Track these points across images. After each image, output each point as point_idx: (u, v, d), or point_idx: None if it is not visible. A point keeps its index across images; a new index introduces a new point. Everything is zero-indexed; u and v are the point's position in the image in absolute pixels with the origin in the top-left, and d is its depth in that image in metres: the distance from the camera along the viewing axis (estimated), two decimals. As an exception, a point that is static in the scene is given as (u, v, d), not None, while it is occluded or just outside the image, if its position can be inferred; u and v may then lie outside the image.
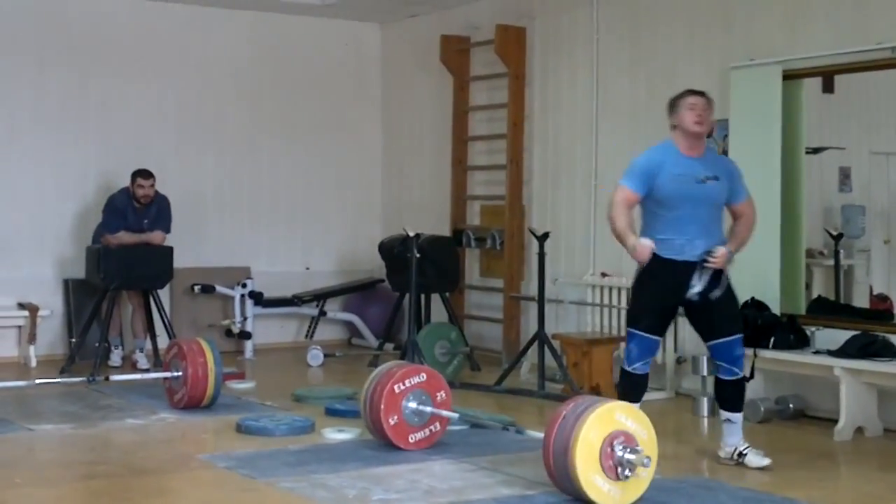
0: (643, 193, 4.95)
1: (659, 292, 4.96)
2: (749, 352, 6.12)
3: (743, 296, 6.33)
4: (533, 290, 7.35)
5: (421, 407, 5.20)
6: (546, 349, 6.91)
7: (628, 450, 4.19)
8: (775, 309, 6.30)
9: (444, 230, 8.72)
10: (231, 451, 5.22)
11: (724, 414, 5.08)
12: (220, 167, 9.07)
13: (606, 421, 4.23)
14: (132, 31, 8.72)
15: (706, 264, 4.89)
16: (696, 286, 4.92)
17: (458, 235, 8.65)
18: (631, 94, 7.51)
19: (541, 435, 4.89)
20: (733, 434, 5.06)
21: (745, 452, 4.99)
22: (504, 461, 5.03)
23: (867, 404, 5.78)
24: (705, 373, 6.36)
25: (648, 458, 4.21)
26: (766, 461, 4.94)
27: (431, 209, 9.08)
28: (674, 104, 5.05)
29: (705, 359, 6.36)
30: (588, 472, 4.16)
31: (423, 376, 5.26)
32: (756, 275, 6.40)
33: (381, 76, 9.75)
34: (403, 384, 5.18)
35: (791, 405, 6.22)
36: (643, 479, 4.25)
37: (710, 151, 5.17)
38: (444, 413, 5.27)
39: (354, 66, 9.66)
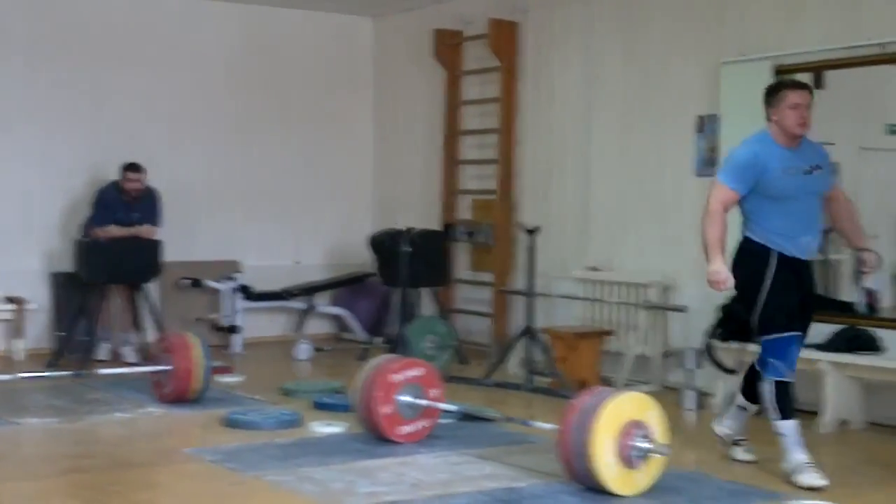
0: (745, 192, 4.71)
1: (789, 289, 4.71)
2: (735, 345, 6.15)
3: (730, 290, 6.37)
4: (522, 285, 7.35)
5: (415, 400, 5.20)
6: (534, 343, 6.92)
7: (646, 439, 4.29)
8: (763, 303, 6.31)
9: (435, 224, 8.72)
10: (218, 444, 5.22)
11: (740, 400, 5.02)
12: (211, 161, 9.05)
13: (631, 407, 4.35)
14: (122, 23, 8.70)
15: (864, 272, 4.82)
16: (862, 299, 4.94)
17: (448, 230, 8.66)
18: (623, 89, 7.52)
19: (543, 425, 4.93)
20: (737, 421, 5.04)
21: (739, 443, 5.01)
22: (491, 454, 5.04)
23: (852, 397, 5.80)
24: (691, 366, 6.37)
25: (666, 446, 4.33)
26: (750, 456, 4.97)
27: (422, 203, 9.08)
28: (774, 97, 4.76)
29: (692, 352, 6.37)
30: (604, 449, 4.24)
31: (421, 371, 5.28)
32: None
33: (373, 70, 9.74)
34: (400, 375, 5.19)
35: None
36: (655, 468, 4.36)
37: (804, 139, 4.85)
38: (441, 405, 5.28)
39: (347, 60, 9.65)
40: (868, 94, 6.72)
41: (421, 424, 5.27)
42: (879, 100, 6.87)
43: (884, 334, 5.81)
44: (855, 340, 5.78)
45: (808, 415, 5.91)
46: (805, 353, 5.87)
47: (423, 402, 5.23)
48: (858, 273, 4.73)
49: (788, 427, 4.70)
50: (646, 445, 4.28)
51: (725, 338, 6.22)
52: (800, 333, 4.77)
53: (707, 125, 6.88)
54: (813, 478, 4.54)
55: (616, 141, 7.57)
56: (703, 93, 6.89)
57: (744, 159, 4.73)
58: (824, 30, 6.24)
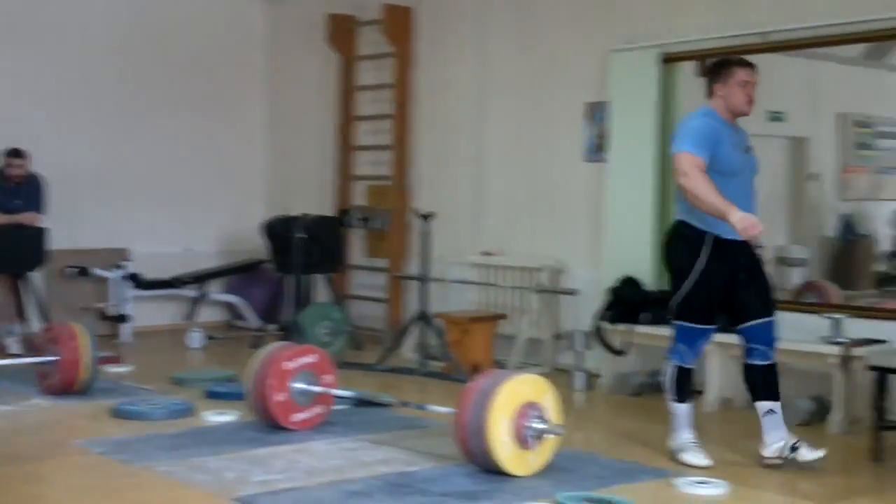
0: (707, 160, 4.48)
1: (716, 283, 4.60)
2: (623, 327, 6.31)
3: (616, 273, 6.53)
4: (417, 270, 7.39)
5: (309, 387, 5.19)
6: (428, 328, 6.96)
7: (540, 420, 4.37)
8: (648, 285, 6.48)
9: (330, 210, 8.69)
10: (107, 436, 5.12)
11: (763, 406, 4.66)
12: (98, 145, 8.83)
13: (527, 389, 4.42)
14: (3, 0, 8.41)
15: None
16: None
17: (343, 215, 8.64)
18: (516, 76, 7.60)
19: (438, 409, 4.97)
20: (778, 427, 4.64)
21: (797, 446, 4.57)
22: (385, 439, 5.07)
23: (734, 376, 5.99)
24: (581, 348, 6.50)
25: (560, 426, 4.41)
26: (819, 453, 4.56)
27: (316, 189, 9.04)
28: (721, 73, 4.66)
29: (582, 335, 6.50)
30: (499, 430, 4.29)
31: (314, 357, 5.26)
32: (630, 253, 6.57)
33: (265, 55, 9.63)
34: (294, 362, 5.17)
35: (662, 378, 6.39)
36: (549, 448, 4.45)
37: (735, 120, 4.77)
38: (335, 392, 5.28)
39: (239, 44, 9.52)
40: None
41: (315, 411, 5.27)
42: (761, 87, 7.10)
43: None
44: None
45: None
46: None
47: (317, 388, 5.23)
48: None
49: (682, 409, 4.82)
50: (540, 426, 4.36)
51: (614, 320, 6.39)
52: (714, 327, 4.76)
53: (596, 112, 7.01)
54: (698, 457, 4.67)
55: (509, 127, 7.66)
56: (592, 80, 7.01)
57: (703, 128, 4.56)
58: (709, 19, 6.42)
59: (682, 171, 4.48)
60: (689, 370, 4.82)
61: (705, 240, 4.57)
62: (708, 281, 4.58)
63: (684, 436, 4.78)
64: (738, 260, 4.62)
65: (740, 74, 4.64)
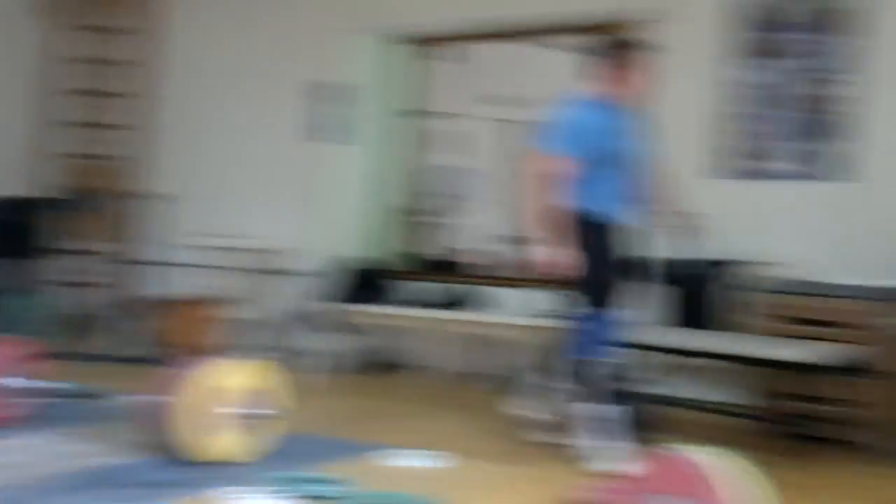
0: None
1: None
2: (345, 307, 6.35)
3: (338, 253, 6.55)
4: (134, 254, 7.10)
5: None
6: (140, 313, 6.72)
7: (257, 405, 4.26)
8: (370, 265, 6.55)
9: (27, 191, 8.18)
10: None
11: None
12: None
13: (227, 374, 4.27)
14: None
15: None
16: None
17: (46, 197, 8.16)
18: (237, 54, 7.43)
19: (129, 398, 4.76)
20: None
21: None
22: (90, 432, 4.82)
23: (450, 351, 6.18)
24: (303, 329, 6.47)
25: (276, 410, 4.30)
26: None
27: (10, 168, 8.46)
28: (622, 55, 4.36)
29: (305, 315, 6.47)
30: (197, 421, 4.15)
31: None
32: (350, 232, 6.62)
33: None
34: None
35: (383, 356, 6.52)
36: (268, 433, 4.33)
37: None
38: (21, 383, 4.95)
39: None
40: (500, 69, 7.12)
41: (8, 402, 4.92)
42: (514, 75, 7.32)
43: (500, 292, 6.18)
44: (452, 298, 6.13)
45: (413, 370, 6.23)
46: (406, 311, 6.21)
47: (4, 380, 4.89)
48: None
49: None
50: (256, 411, 4.25)
51: (335, 299, 6.42)
52: None
53: (317, 92, 6.97)
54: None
55: (226, 105, 7.49)
56: (313, 60, 6.96)
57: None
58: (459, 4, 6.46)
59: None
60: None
61: None
62: None
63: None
64: None
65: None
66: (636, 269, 4.53)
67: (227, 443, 4.24)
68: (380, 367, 6.45)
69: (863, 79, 5.11)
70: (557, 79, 7.34)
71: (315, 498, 3.73)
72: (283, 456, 4.39)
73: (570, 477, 4.18)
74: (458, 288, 6.22)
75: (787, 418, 4.54)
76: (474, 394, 5.76)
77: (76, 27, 8.24)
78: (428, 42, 6.72)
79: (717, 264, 5.05)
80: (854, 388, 4.52)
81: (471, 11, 6.26)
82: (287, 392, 4.52)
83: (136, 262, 6.92)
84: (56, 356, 6.72)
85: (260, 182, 7.29)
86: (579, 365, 4.14)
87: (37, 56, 8.38)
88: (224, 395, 4.24)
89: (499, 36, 6.38)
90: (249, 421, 4.29)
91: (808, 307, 4.69)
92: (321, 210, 6.81)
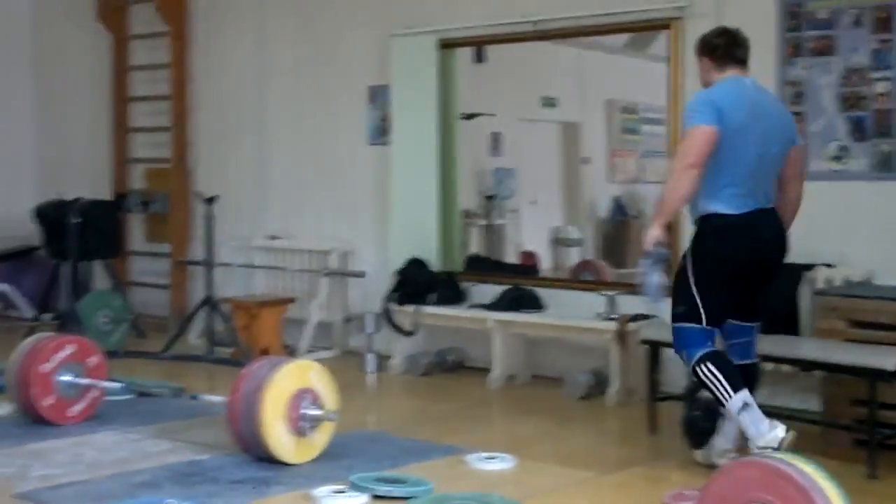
0: None
1: None
2: (411, 308, 6.44)
3: (404, 255, 6.64)
4: (201, 255, 7.25)
5: (75, 380, 5.00)
6: (215, 313, 6.85)
7: (314, 406, 4.33)
8: (434, 267, 6.63)
9: (106, 194, 8.37)
10: None
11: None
12: None
13: (297, 376, 4.35)
14: None
15: None
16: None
17: (120, 199, 8.35)
18: (296, 58, 7.56)
19: (213, 398, 4.91)
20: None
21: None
22: (172, 429, 4.96)
23: (517, 353, 6.24)
24: (371, 330, 6.58)
25: (334, 412, 4.38)
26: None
27: (91, 172, 8.67)
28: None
29: (371, 316, 6.58)
30: (273, 422, 4.24)
31: (71, 348, 5.05)
32: (416, 235, 6.70)
33: (32, 32, 9.12)
34: (51, 362, 4.95)
35: (451, 357, 6.59)
36: (322, 438, 4.40)
37: None
38: (103, 384, 5.11)
39: (3, 21, 8.97)
40: (525, 68, 7.20)
41: (90, 397, 5.08)
42: (535, 73, 7.39)
43: (543, 293, 6.27)
44: (519, 300, 6.18)
45: (480, 372, 6.31)
46: (475, 314, 6.28)
47: (84, 380, 5.04)
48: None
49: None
50: (314, 412, 4.33)
51: (402, 301, 6.51)
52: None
53: (378, 96, 7.08)
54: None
55: (291, 109, 7.61)
56: (373, 64, 7.07)
57: None
58: (484, 7, 6.58)
59: None
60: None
61: None
62: None
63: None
64: None
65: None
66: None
67: (305, 442, 4.36)
68: (449, 368, 6.54)
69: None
70: (592, 79, 7.46)
71: (401, 498, 3.82)
72: (357, 454, 4.51)
73: (648, 483, 4.25)
74: (526, 289, 6.28)
75: (858, 424, 4.54)
76: (544, 397, 5.82)
77: (140, 36, 8.42)
78: (487, 44, 6.81)
79: (804, 268, 5.03)
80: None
81: (530, 13, 6.32)
82: (352, 392, 4.60)
83: (201, 264, 7.06)
84: (133, 354, 6.92)
85: (327, 185, 7.40)
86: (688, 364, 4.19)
87: (102, 65, 8.58)
88: (300, 395, 4.35)
89: (558, 37, 6.44)
90: (323, 420, 4.39)
91: (880, 310, 4.67)
92: (388, 212, 6.91)
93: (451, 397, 5.86)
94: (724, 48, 4.25)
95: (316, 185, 7.47)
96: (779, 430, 3.98)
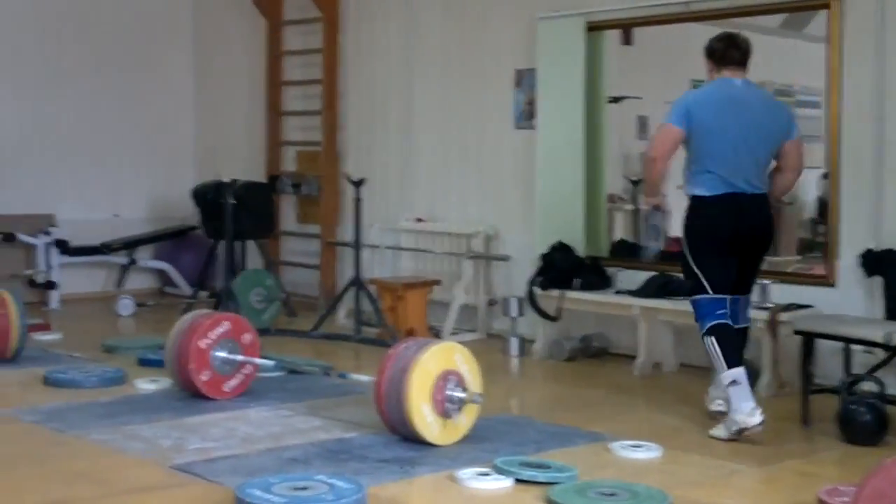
0: None
1: None
2: (555, 293, 6.41)
3: (549, 240, 6.62)
4: (349, 236, 7.40)
5: (230, 356, 5.18)
6: (362, 294, 6.99)
7: (459, 388, 4.37)
8: (580, 251, 6.58)
9: (260, 176, 8.63)
10: (38, 404, 5.06)
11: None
12: (21, 108, 8.61)
13: (443, 358, 4.40)
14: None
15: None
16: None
17: (273, 181, 8.59)
18: (443, 42, 7.60)
19: (361, 378, 5.02)
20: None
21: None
22: (321, 406, 5.10)
23: (664, 341, 6.14)
24: (515, 314, 6.59)
25: (479, 395, 4.41)
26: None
27: (246, 155, 8.96)
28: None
29: (515, 300, 6.59)
30: (419, 403, 4.30)
31: (226, 325, 5.23)
32: (561, 219, 6.66)
33: (192, 16, 9.47)
34: (207, 338, 5.13)
35: (595, 343, 6.54)
36: (467, 421, 4.44)
37: None
38: (256, 361, 5.28)
39: (165, 6, 9.34)
40: (672, 50, 7.04)
41: (244, 372, 5.26)
42: (683, 55, 7.21)
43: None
44: (666, 286, 6.06)
45: (625, 359, 6.24)
46: (621, 300, 6.21)
47: (239, 356, 5.22)
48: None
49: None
50: (459, 395, 4.38)
51: (547, 286, 6.49)
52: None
53: (525, 79, 7.06)
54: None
55: (437, 93, 7.66)
56: (521, 47, 7.05)
57: None
58: (634, -12, 6.49)
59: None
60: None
61: None
62: None
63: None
64: None
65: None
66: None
67: (450, 423, 4.41)
68: (593, 354, 6.50)
69: None
70: (775, 63, 7.20)
71: (545, 483, 3.83)
72: (501, 438, 4.52)
73: (801, 478, 4.13)
74: (673, 276, 6.16)
75: None
76: (691, 386, 5.71)
77: (294, 21, 8.62)
78: (636, 26, 6.70)
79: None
80: None
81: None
82: (496, 375, 4.61)
83: (349, 245, 7.20)
84: (284, 332, 7.13)
85: (472, 168, 7.44)
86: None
87: (258, 49, 8.83)
88: (446, 377, 4.39)
89: (712, 18, 6.28)
90: (467, 403, 4.42)
91: None
92: (533, 196, 6.89)
93: (595, 383, 5.82)
94: (722, 51, 4.76)
95: (461, 169, 7.51)
96: (754, 418, 4.45)
